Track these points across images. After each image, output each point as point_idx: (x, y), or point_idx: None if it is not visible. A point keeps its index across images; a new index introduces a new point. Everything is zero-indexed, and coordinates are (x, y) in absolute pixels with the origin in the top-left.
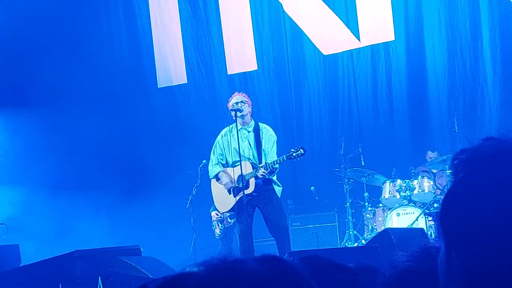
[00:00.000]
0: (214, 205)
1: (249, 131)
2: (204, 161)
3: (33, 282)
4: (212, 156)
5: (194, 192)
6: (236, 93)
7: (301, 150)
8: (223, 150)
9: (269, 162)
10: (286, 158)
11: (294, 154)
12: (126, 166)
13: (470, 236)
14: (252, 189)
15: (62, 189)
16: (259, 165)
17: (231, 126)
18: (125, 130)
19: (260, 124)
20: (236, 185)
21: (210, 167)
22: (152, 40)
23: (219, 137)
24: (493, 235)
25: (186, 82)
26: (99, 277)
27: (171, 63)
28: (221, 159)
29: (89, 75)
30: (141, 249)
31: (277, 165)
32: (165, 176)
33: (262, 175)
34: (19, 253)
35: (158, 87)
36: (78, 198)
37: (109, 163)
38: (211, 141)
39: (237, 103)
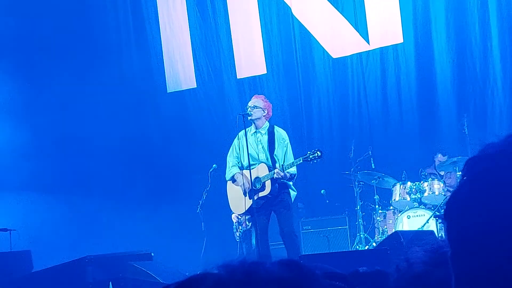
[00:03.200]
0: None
1: (262, 134)
2: (214, 165)
3: None
4: (228, 158)
5: (205, 196)
6: (254, 96)
7: (318, 152)
8: (239, 153)
9: (285, 164)
10: (302, 161)
11: (311, 156)
12: (135, 171)
13: (462, 236)
14: (268, 191)
15: (73, 195)
16: (274, 168)
17: (247, 129)
18: (134, 135)
19: (275, 127)
20: (253, 187)
21: (227, 169)
22: (161, 44)
23: (235, 139)
24: (488, 237)
25: (196, 86)
26: (110, 283)
27: (180, 68)
28: (237, 162)
29: (98, 81)
30: (152, 254)
31: (294, 170)
32: (175, 181)
33: (277, 177)
34: (31, 259)
35: (167, 91)
36: (89, 203)
37: (119, 168)
38: (220, 145)
39: (247, 107)
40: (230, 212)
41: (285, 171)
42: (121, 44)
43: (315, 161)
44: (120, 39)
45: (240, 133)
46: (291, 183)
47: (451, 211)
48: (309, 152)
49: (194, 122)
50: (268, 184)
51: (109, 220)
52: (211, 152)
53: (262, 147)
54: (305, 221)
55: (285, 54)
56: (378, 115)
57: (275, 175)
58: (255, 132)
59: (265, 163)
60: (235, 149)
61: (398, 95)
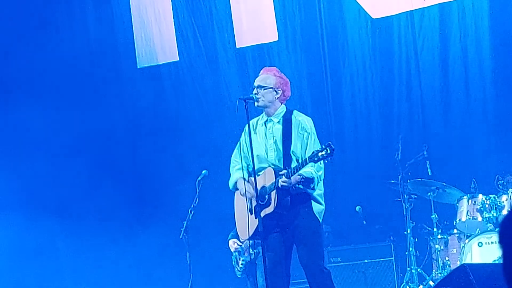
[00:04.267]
0: (234, 231)
1: (275, 123)
2: (204, 171)
3: None
4: (232, 159)
5: (191, 215)
6: (264, 70)
7: (327, 149)
8: (247, 152)
9: (293, 167)
10: (309, 161)
11: (319, 154)
12: (95, 180)
13: None
14: (273, 207)
15: (9, 215)
16: (280, 172)
17: (257, 118)
18: (93, 130)
19: (294, 112)
20: (259, 201)
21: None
22: (129, 2)
23: (243, 134)
24: None
25: (178, 59)
26: None
27: (156, 34)
28: (245, 165)
29: (41, 53)
30: None
31: (311, 172)
32: (150, 194)
33: (283, 185)
34: None
35: (138, 67)
36: (32, 227)
37: (73, 177)
38: (213, 143)
39: (253, 87)
40: (227, 237)
41: (294, 175)
42: (72, 4)
43: (325, 160)
44: None
45: (247, 126)
46: (317, 192)
47: (505, 235)
48: (317, 149)
49: (175, 109)
50: (273, 196)
51: (59, 250)
52: (199, 153)
53: (275, 141)
54: (333, 250)
55: (304, 14)
56: (436, 100)
57: (280, 183)
58: (267, 120)
59: (273, 166)
60: (242, 147)
61: (464, 70)
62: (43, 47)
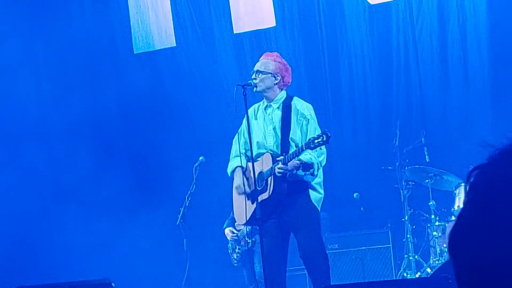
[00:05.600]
0: (229, 219)
1: (275, 109)
2: (201, 157)
3: None
4: (233, 144)
5: (188, 202)
6: (264, 55)
7: (323, 136)
8: (247, 137)
9: (290, 153)
10: (305, 148)
11: (315, 141)
12: (90, 165)
13: (470, 270)
14: (268, 194)
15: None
16: (277, 158)
17: (258, 104)
18: (87, 115)
19: (294, 99)
20: (256, 187)
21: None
22: None
23: (244, 119)
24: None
25: (175, 45)
26: None
27: (152, 19)
28: (245, 150)
29: (35, 38)
30: (113, 285)
31: (309, 157)
32: (145, 181)
33: (279, 172)
34: None
35: (135, 52)
36: (24, 211)
37: (67, 162)
38: (210, 129)
39: (252, 72)
40: (223, 224)
41: (291, 161)
42: None
43: (320, 148)
44: None
45: (249, 110)
46: (316, 180)
47: (453, 245)
48: (313, 136)
49: (172, 95)
50: (270, 182)
51: (51, 235)
52: (196, 139)
53: (274, 128)
54: (331, 237)
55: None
56: (434, 86)
57: (276, 170)
58: (267, 106)
59: (271, 152)
60: (244, 132)
61: (462, 55)
62: (38, 33)
